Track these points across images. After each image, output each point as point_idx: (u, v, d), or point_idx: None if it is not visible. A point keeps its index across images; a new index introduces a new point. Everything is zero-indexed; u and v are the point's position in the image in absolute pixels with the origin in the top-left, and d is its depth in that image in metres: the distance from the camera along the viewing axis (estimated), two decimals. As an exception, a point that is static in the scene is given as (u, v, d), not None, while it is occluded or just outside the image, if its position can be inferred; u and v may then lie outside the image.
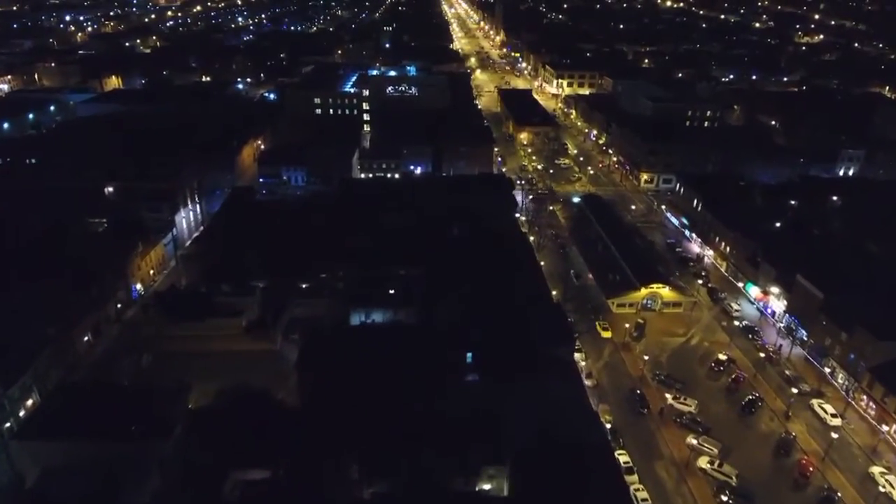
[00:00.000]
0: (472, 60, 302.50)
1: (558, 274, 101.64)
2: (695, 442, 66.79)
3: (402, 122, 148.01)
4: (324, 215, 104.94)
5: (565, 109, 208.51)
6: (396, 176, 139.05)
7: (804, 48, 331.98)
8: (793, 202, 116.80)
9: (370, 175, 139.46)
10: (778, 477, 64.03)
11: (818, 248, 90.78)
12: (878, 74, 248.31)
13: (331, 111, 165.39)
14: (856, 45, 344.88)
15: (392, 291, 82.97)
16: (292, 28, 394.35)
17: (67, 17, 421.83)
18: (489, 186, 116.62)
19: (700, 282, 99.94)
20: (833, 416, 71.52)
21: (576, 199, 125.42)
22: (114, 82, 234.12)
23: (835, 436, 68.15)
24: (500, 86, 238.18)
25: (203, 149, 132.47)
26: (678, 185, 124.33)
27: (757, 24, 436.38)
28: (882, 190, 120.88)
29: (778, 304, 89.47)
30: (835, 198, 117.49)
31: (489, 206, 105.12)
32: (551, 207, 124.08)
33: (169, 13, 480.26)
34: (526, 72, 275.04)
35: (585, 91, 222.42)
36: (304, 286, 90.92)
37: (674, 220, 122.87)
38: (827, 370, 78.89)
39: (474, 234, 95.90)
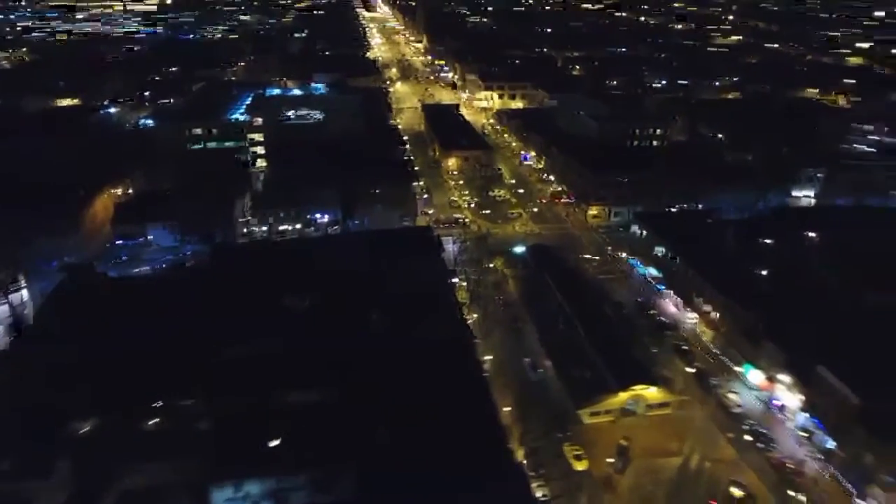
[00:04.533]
0: (393, 70, 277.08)
1: (511, 365, 78.18)
2: None
3: (305, 156, 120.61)
4: (190, 301, 76.87)
5: (497, 126, 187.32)
6: (298, 226, 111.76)
7: (727, 50, 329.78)
8: (768, 241, 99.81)
9: (264, 228, 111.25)
10: None
11: (840, 320, 71.23)
12: (808, 77, 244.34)
13: (214, 144, 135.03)
14: (776, 46, 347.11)
15: (276, 443, 56.44)
16: (192, 36, 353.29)
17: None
18: (413, 245, 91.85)
19: (689, 368, 78.63)
20: (900, 584, 52.06)
21: (519, 250, 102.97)
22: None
23: None
24: (423, 100, 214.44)
25: (36, 204, 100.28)
26: (639, 228, 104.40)
27: (679, 27, 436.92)
28: (873, 220, 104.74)
29: (790, 398, 70.04)
30: (812, 234, 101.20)
31: (414, 275, 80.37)
32: (492, 264, 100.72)
33: (53, 22, 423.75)
34: (452, 82, 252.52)
35: (519, 104, 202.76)
36: (149, 423, 62.83)
37: (640, 270, 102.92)
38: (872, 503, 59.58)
39: (395, 327, 71.00)
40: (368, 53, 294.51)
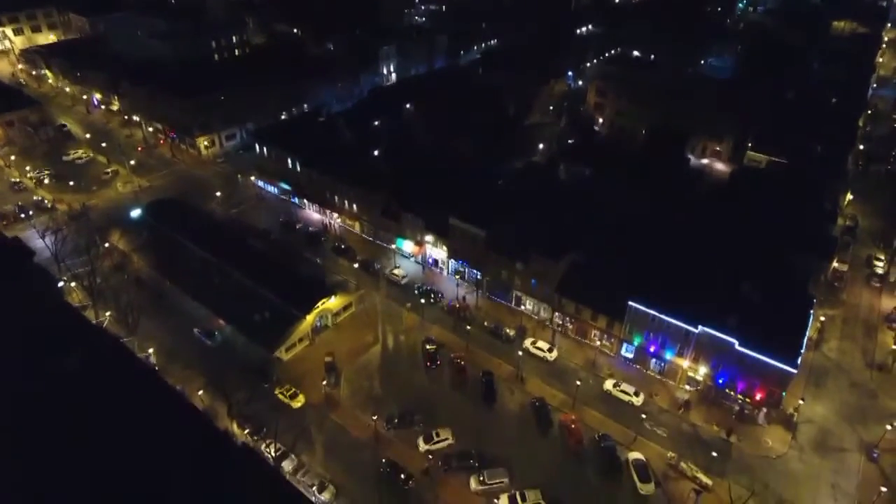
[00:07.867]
0: None
1: (182, 343, 67.69)
2: (482, 487, 53.48)
3: None
4: None
5: (34, 72, 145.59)
6: None
7: None
8: (376, 123, 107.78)
9: None
10: (557, 454, 57.39)
11: (448, 177, 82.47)
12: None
13: None
14: None
15: None
16: None
17: None
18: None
19: (354, 264, 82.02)
20: (549, 350, 68.65)
21: (136, 213, 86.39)
22: None
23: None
24: None
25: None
26: (258, 146, 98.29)
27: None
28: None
29: (438, 252, 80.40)
30: (408, 105, 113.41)
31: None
32: (106, 244, 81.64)
33: None
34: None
35: (50, 38, 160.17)
36: None
37: (271, 189, 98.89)
38: (519, 306, 75.13)
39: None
40: None
